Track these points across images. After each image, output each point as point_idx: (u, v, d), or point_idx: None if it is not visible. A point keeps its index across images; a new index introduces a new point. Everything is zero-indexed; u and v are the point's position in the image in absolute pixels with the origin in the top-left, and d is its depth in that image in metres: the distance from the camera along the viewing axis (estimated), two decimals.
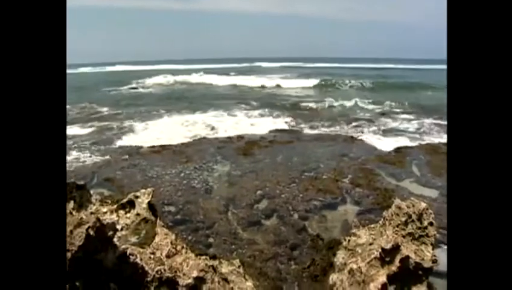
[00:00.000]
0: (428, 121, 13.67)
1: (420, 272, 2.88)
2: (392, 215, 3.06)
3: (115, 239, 3.20)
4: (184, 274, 2.87)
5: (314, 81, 30.11)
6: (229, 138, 10.43)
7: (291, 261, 4.27)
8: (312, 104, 18.19)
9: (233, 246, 4.62)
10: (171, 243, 3.19)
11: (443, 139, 10.42)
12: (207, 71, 43.64)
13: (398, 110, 16.59)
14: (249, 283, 3.13)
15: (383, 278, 2.77)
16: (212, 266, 3.04)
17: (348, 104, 18.41)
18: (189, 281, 2.81)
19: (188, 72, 42.70)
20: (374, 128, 12.41)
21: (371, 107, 17.53)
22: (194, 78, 35.80)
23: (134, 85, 30.96)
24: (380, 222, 3.18)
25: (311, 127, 12.40)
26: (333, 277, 3.25)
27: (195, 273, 2.84)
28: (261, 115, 14.92)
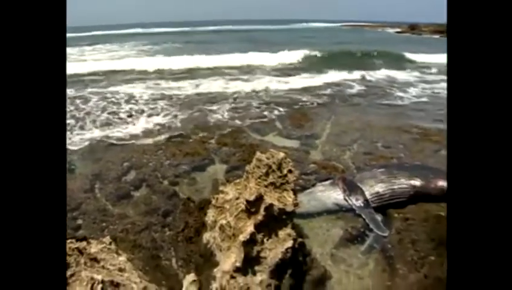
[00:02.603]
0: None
1: (284, 217, 3.10)
2: (254, 168, 3.20)
3: None
4: None
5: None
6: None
7: (165, 228, 4.24)
8: None
9: (103, 224, 4.38)
10: None
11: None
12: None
13: None
14: (122, 258, 3.00)
15: (250, 228, 2.90)
16: (78, 248, 2.83)
17: None
18: None
19: None
20: None
21: None
22: None
23: None
24: (244, 176, 3.30)
25: None
26: (206, 236, 3.31)
27: None
28: None
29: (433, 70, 18.20)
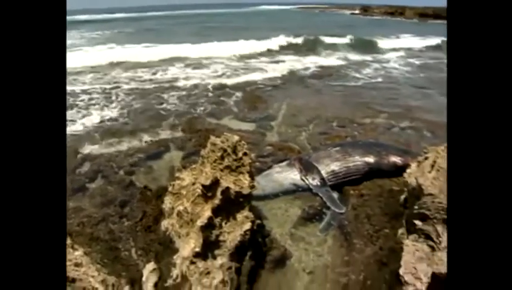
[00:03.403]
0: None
1: (241, 199, 3.11)
2: (209, 152, 3.18)
3: None
4: None
5: None
6: None
7: (123, 218, 4.13)
8: None
9: None
10: None
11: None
12: None
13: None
14: (78, 252, 2.92)
15: (208, 213, 2.90)
16: None
17: None
18: None
19: None
20: None
21: None
22: None
23: None
24: (199, 161, 3.28)
25: None
26: (164, 223, 3.27)
27: None
28: None
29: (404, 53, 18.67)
